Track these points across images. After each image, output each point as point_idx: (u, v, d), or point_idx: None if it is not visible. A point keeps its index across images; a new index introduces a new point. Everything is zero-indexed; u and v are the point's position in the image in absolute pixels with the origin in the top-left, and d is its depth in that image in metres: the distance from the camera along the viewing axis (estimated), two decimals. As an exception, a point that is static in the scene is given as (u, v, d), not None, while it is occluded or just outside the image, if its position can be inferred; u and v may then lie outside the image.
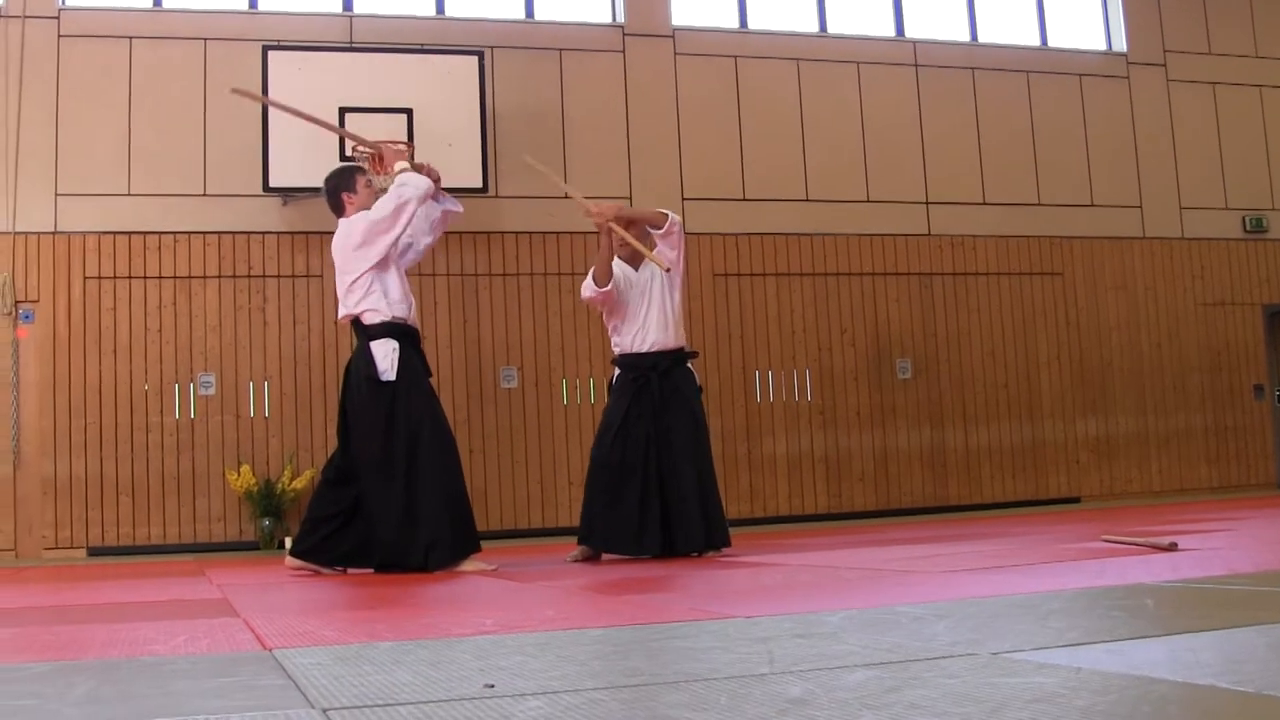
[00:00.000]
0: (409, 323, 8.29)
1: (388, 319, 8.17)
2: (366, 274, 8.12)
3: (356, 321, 8.24)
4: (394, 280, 8.22)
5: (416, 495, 8.00)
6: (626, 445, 8.90)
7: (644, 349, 9.04)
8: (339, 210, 8.39)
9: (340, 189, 8.41)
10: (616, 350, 9.26)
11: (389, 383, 8.11)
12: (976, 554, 7.43)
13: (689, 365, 9.22)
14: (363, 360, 8.12)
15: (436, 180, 8.40)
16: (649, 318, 9.07)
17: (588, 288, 9.09)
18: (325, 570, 8.20)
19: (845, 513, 15.24)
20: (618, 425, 8.96)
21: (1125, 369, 16.63)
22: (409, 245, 8.55)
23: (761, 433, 15.23)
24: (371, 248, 8.09)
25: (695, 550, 8.70)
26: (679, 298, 9.23)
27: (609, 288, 9.04)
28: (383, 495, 8.03)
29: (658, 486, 8.79)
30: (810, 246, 15.59)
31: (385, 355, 8.12)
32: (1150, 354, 16.77)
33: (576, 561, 8.75)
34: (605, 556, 8.94)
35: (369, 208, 8.21)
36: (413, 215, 8.18)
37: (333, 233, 8.36)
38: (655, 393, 8.93)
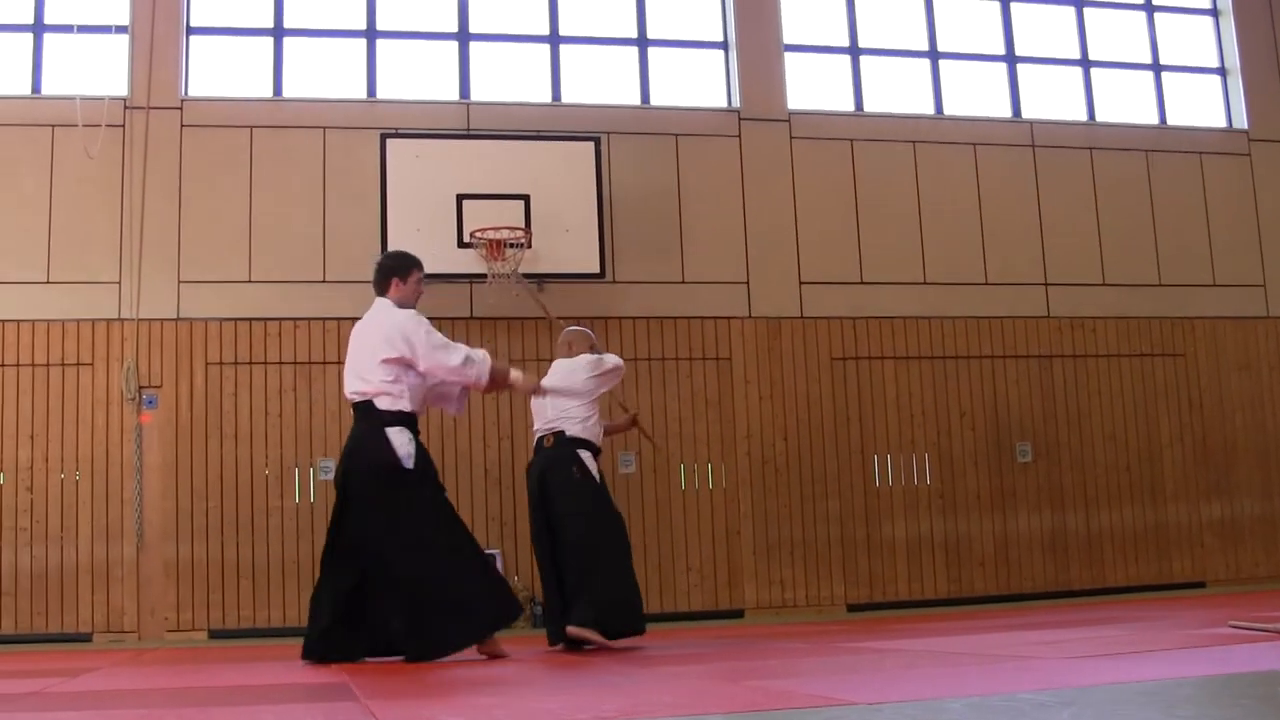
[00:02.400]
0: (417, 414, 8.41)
1: (404, 409, 8.22)
2: (394, 362, 8.19)
3: (368, 406, 8.21)
4: (416, 380, 8.33)
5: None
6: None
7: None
8: (382, 289, 8.57)
9: (394, 273, 8.57)
10: (596, 437, 9.48)
11: (409, 470, 8.15)
12: (1100, 639, 7.31)
13: None
14: (376, 446, 8.12)
15: (501, 379, 8.55)
16: None
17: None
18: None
19: (966, 597, 14.99)
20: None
21: (1250, 450, 16.24)
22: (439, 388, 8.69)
23: (880, 517, 15.04)
24: (406, 351, 8.20)
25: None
26: None
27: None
28: (403, 581, 8.06)
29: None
30: (928, 329, 15.47)
31: (404, 444, 8.17)
32: (1276, 434, 16.36)
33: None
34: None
35: (410, 301, 8.50)
36: (441, 374, 8.33)
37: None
38: None
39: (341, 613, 8.11)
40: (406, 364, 8.16)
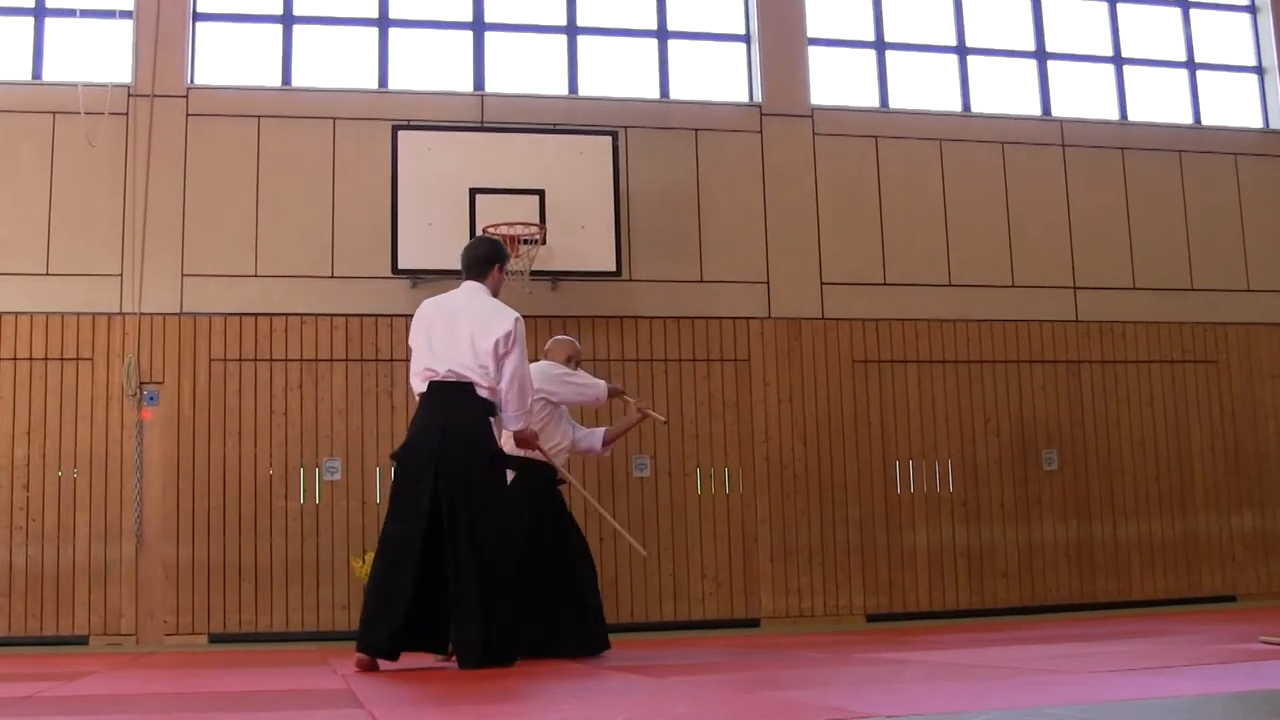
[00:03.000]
0: None
1: (494, 402, 8.12)
2: (519, 361, 8.06)
3: (468, 390, 8.03)
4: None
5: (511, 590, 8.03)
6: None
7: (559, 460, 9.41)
8: (480, 275, 8.38)
9: (494, 259, 8.44)
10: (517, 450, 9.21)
11: (504, 463, 8.19)
12: (1126, 654, 7.26)
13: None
14: (483, 431, 8.02)
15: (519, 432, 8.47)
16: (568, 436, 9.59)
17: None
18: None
19: (988, 609, 14.90)
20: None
21: (1284, 460, 16.15)
22: None
23: (901, 525, 14.93)
24: (506, 349, 8.04)
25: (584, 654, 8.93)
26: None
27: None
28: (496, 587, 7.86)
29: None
30: (953, 333, 15.37)
31: (497, 435, 8.20)
32: (1311, 445, 16.26)
33: None
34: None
35: (499, 289, 8.43)
36: (503, 385, 8.14)
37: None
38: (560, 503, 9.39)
39: (425, 602, 7.86)
40: (502, 359, 8.03)
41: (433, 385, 8.05)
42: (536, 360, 9.47)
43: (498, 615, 7.72)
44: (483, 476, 7.93)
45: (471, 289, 8.35)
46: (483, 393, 7.99)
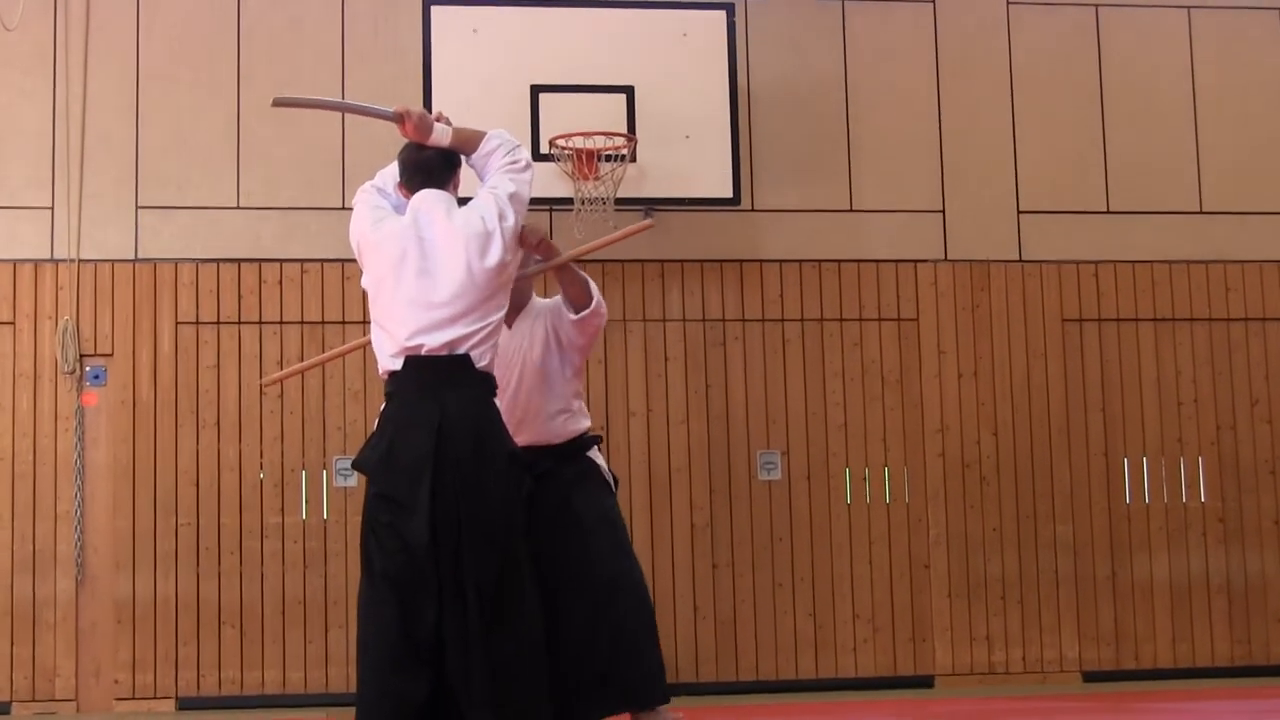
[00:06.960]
0: None
1: (492, 371, 7.28)
2: (500, 299, 7.22)
3: (462, 361, 7.08)
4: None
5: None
6: None
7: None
8: (444, 181, 7.49)
9: (456, 162, 7.58)
10: None
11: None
12: None
13: (590, 455, 8.49)
14: (494, 424, 7.18)
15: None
16: (519, 397, 8.36)
17: None
18: None
19: (1257, 667, 13.74)
20: None
21: None
22: None
23: (1132, 548, 13.87)
24: (510, 225, 7.23)
25: (608, 711, 8.15)
26: (574, 369, 8.58)
27: None
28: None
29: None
30: (1205, 280, 14.23)
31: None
32: None
33: None
34: None
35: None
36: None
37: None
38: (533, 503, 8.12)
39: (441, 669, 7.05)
40: (506, 274, 7.29)
41: (411, 361, 7.12)
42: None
43: (526, 682, 7.11)
44: (506, 489, 7.14)
45: (435, 199, 7.36)
46: (482, 359, 7.17)
